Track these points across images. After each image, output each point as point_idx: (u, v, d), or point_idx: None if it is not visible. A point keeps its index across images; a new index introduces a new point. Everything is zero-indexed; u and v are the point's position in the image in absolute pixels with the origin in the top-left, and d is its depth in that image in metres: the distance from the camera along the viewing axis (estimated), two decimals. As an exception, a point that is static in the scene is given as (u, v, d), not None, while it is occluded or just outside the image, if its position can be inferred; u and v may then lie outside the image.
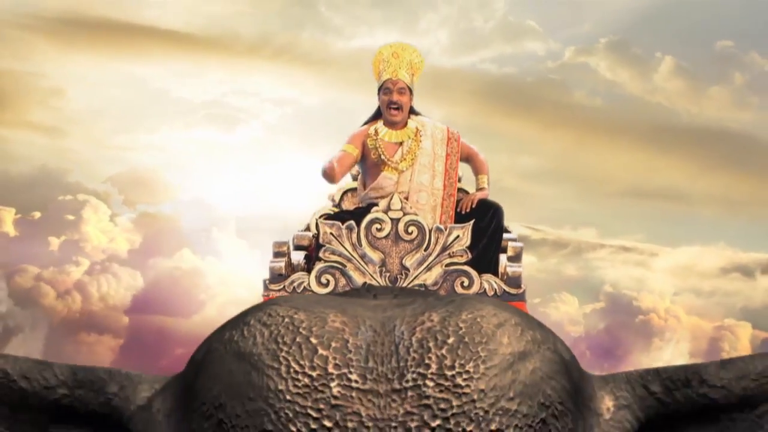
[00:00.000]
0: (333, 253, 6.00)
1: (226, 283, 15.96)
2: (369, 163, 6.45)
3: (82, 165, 16.79)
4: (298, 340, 3.27)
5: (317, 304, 3.47)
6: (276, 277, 6.06)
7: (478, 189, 6.62)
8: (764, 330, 16.26)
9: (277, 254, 6.16)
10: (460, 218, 6.32)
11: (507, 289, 6.04)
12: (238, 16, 17.21)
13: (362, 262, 5.97)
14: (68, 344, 15.41)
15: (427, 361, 3.22)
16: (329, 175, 6.26)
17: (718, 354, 15.81)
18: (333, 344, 3.25)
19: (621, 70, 17.22)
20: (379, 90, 6.50)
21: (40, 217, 16.18)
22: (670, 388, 3.54)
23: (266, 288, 6.06)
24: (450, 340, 3.26)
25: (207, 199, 16.65)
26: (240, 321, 3.46)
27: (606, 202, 17.41)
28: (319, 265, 6.01)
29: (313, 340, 3.26)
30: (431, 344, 3.25)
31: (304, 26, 17.35)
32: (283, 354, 3.24)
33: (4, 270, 15.62)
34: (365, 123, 6.59)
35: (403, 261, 5.98)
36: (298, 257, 6.27)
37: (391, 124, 6.47)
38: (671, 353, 16.10)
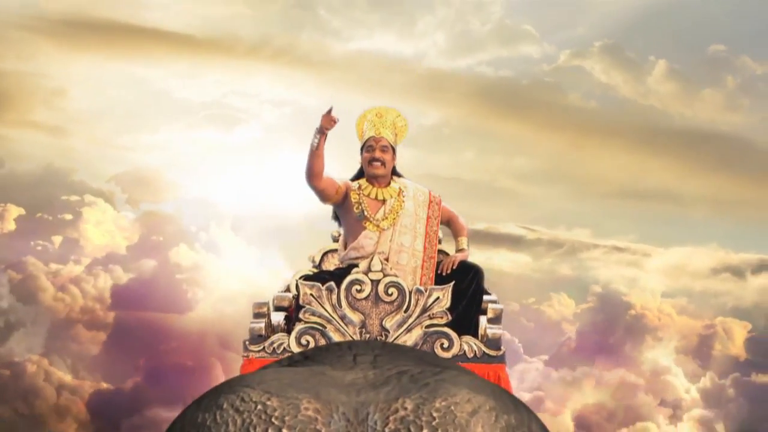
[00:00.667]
0: (313, 314, 5.85)
1: (224, 280, 15.98)
2: (350, 220, 6.31)
3: (85, 164, 16.80)
4: (270, 430, 3.19)
5: (290, 388, 3.37)
6: (256, 338, 5.90)
7: (458, 250, 6.47)
8: (755, 329, 16.37)
9: (257, 315, 5.99)
10: (440, 280, 6.17)
11: (487, 351, 5.89)
12: (238, 18, 17.17)
13: (342, 324, 5.83)
14: (68, 339, 15.37)
15: (401, 456, 3.10)
16: (315, 171, 6.08)
17: (708, 352, 16.18)
18: (305, 436, 3.14)
19: (615, 73, 17.22)
20: (362, 148, 6.37)
21: (44, 214, 16.16)
22: None
23: (246, 349, 5.90)
24: (424, 432, 3.15)
25: (208, 197, 16.67)
26: (213, 403, 3.36)
27: (600, 202, 17.42)
28: (299, 326, 5.86)
29: (285, 431, 3.18)
30: (405, 436, 3.14)
31: (303, 28, 17.32)
32: (255, 445, 3.13)
33: (6, 266, 15.61)
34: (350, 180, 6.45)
35: (383, 322, 5.83)
36: (278, 318, 6.09)
37: (374, 179, 6.32)
38: (662, 351, 16.25)
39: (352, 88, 16.81)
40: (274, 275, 15.11)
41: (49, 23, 16.46)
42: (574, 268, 17.05)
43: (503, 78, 17.16)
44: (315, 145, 6.03)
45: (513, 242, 16.34)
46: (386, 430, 3.21)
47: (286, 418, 3.22)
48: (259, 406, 3.26)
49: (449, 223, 6.49)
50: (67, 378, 15.10)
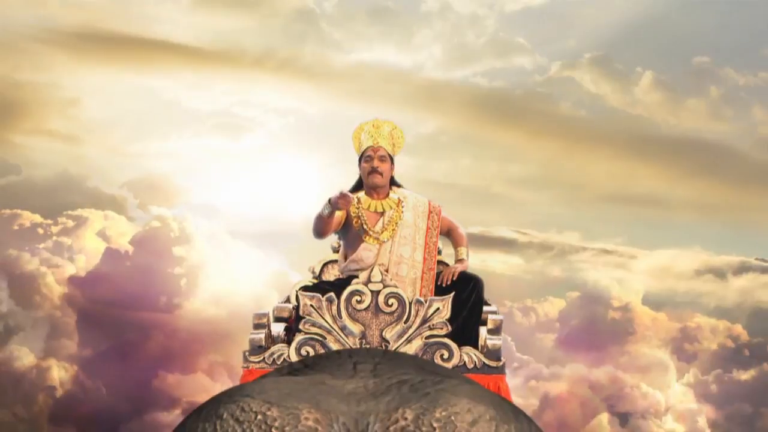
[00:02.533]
0: (313, 324, 5.47)
1: (227, 282, 15.72)
2: (350, 234, 5.93)
3: (98, 171, 16.64)
4: None
5: (290, 398, 3.10)
6: (256, 349, 5.54)
7: (458, 261, 6.06)
8: (736, 327, 16.28)
9: (257, 326, 5.62)
10: (440, 290, 5.79)
11: (487, 361, 5.52)
12: (244, 31, 17.01)
13: (342, 334, 5.46)
14: (67, 344, 15.02)
15: (401, 465, 2.87)
16: (325, 224, 5.71)
17: (691, 349, 16.12)
18: (306, 446, 2.91)
19: (604, 83, 17.15)
20: (360, 159, 5.99)
21: (57, 219, 15.90)
22: None
23: (246, 360, 5.54)
24: (424, 443, 2.92)
25: (215, 202, 16.55)
26: (213, 413, 3.09)
27: (589, 207, 17.36)
28: (299, 337, 5.49)
29: None
30: (405, 447, 2.91)
31: (306, 41, 17.17)
32: (256, 456, 2.90)
33: (7, 269, 15.30)
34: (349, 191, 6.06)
35: (383, 333, 5.46)
36: (278, 329, 5.74)
37: (373, 190, 5.96)
38: (647, 348, 16.11)
39: (352, 98, 16.73)
40: (276, 277, 15.14)
41: (64, 36, 16.36)
42: (564, 269, 16.98)
43: (497, 88, 17.08)
44: (325, 214, 5.65)
45: (506, 245, 16.29)
46: None
47: (287, 428, 2.96)
48: (259, 416, 3.00)
49: (449, 233, 6.09)
50: (67, 382, 14.74)
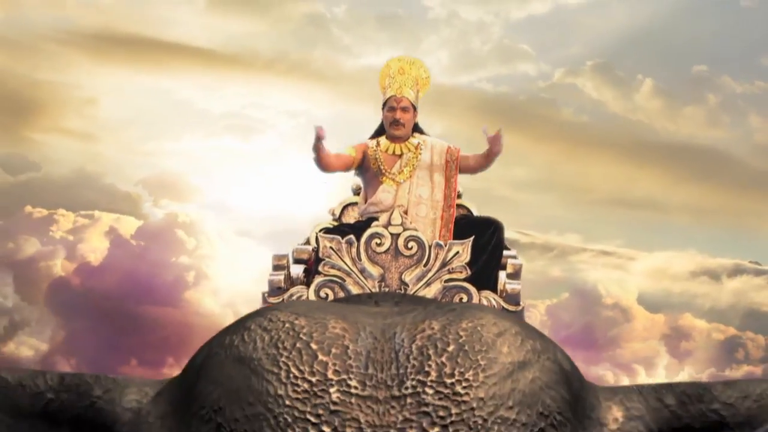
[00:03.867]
0: (332, 267, 5.19)
1: (236, 278, 15.59)
2: (369, 175, 5.76)
3: (114, 168, 16.63)
4: (298, 345, 2.92)
5: (318, 311, 3.12)
6: (275, 290, 5.28)
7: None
8: (729, 328, 16.46)
9: (277, 267, 5.39)
10: (459, 234, 5.55)
11: (506, 306, 5.27)
12: (257, 35, 17.05)
13: (361, 277, 5.19)
14: (73, 339, 14.80)
15: (426, 369, 2.88)
16: (320, 158, 5.57)
17: (686, 349, 16.33)
18: (333, 350, 2.92)
19: (605, 90, 17.16)
20: (384, 105, 5.81)
21: (71, 214, 15.83)
22: (684, 402, 3.28)
23: (265, 301, 5.27)
24: (450, 348, 2.93)
25: (227, 200, 16.53)
26: (240, 326, 3.10)
27: (589, 210, 17.40)
28: (318, 279, 5.22)
29: (314, 346, 2.93)
30: (431, 352, 2.92)
31: (316, 45, 17.24)
32: (283, 359, 2.90)
33: (11, 266, 15.13)
34: (371, 137, 5.92)
35: (403, 276, 5.19)
36: (297, 271, 5.49)
37: (393, 139, 5.77)
38: (643, 347, 16.25)
39: (361, 101, 16.55)
40: None
41: (81, 38, 16.43)
42: (564, 270, 17.00)
43: (502, 94, 17.14)
44: (316, 150, 5.52)
45: (508, 245, 16.03)
46: (413, 347, 2.92)
47: (314, 334, 2.95)
48: (287, 324, 3.00)
49: (471, 163, 5.86)
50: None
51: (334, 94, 17.09)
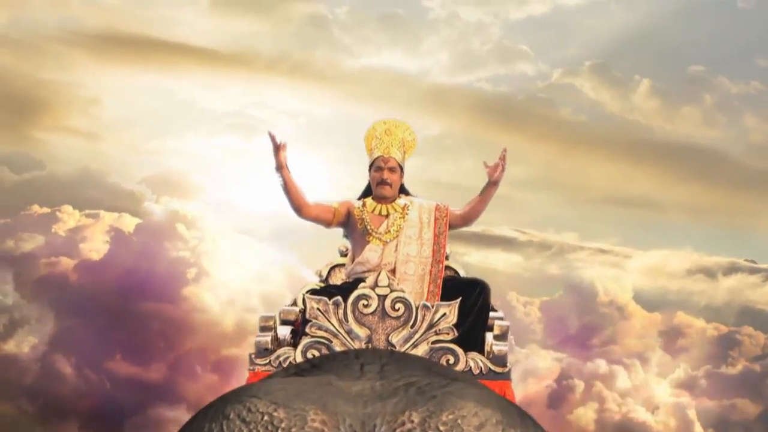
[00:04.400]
0: (319, 328, 5.16)
1: (236, 276, 15.45)
2: (356, 235, 5.67)
3: (117, 167, 16.43)
4: None
5: (298, 398, 2.97)
6: (262, 351, 5.25)
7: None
8: (725, 325, 16.23)
9: (263, 328, 5.34)
10: (446, 296, 5.47)
11: (492, 367, 5.24)
12: (259, 35, 16.82)
13: (348, 338, 5.15)
14: (72, 337, 14.70)
15: (406, 466, 2.68)
16: (297, 204, 5.53)
17: (682, 345, 16.02)
18: (312, 448, 2.74)
19: (603, 90, 16.99)
20: (371, 166, 5.72)
21: (73, 212, 15.69)
22: None
23: (252, 362, 5.24)
24: (430, 446, 2.74)
25: (228, 198, 16.31)
26: (220, 413, 2.96)
27: (586, 208, 17.16)
28: (305, 340, 5.19)
29: None
30: (412, 451, 2.73)
31: (317, 46, 16.98)
32: (263, 456, 2.72)
33: (11, 263, 15.02)
34: (358, 198, 5.83)
35: (390, 337, 5.15)
36: (284, 332, 5.42)
37: (380, 200, 5.69)
38: (639, 344, 16.04)
39: (361, 101, 16.50)
40: (285, 273, 14.83)
41: (85, 38, 16.22)
42: (562, 267, 16.76)
43: (501, 93, 16.91)
44: (282, 182, 5.50)
45: (506, 243, 16.17)
46: None
47: (293, 430, 2.85)
48: (266, 417, 2.88)
49: (463, 215, 5.74)
50: (71, 376, 14.44)
51: (335, 94, 16.82)
